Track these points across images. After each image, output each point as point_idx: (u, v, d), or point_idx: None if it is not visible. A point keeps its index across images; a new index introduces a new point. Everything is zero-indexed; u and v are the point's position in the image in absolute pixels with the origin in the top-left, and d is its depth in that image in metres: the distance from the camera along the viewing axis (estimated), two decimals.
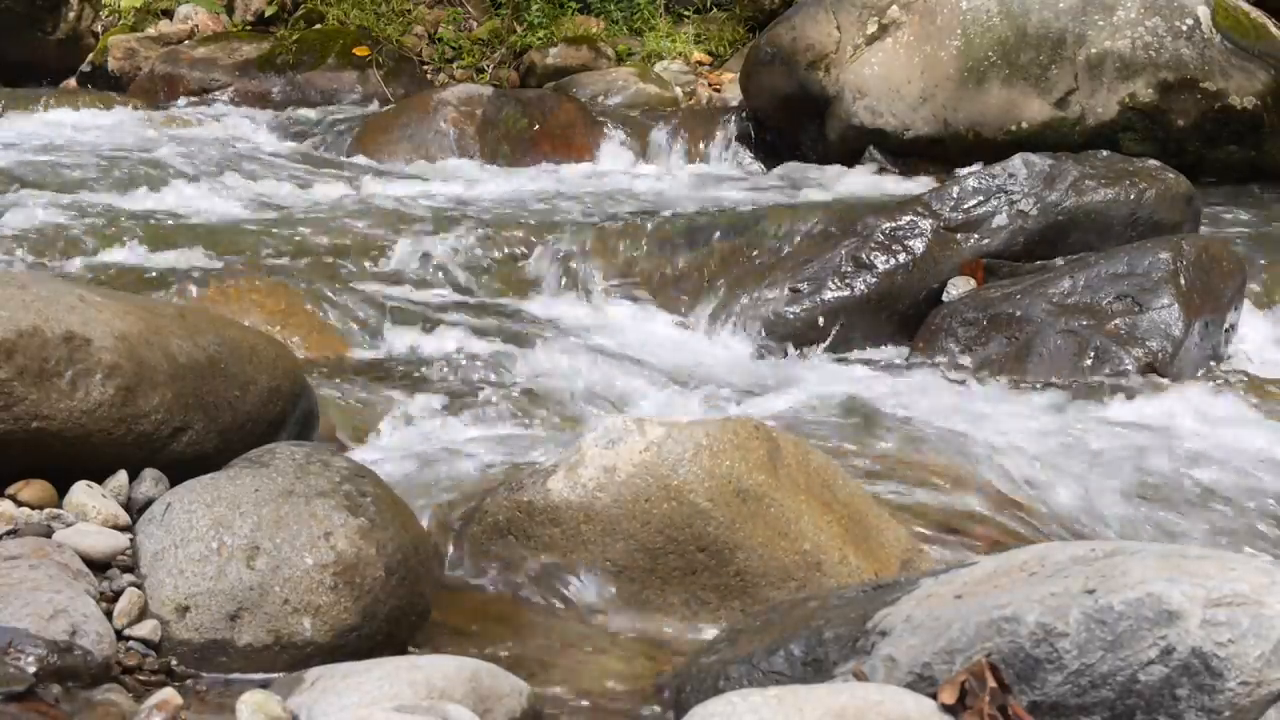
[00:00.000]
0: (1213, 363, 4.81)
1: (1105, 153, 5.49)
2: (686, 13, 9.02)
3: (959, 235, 5.15)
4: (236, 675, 2.58)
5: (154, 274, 5.03)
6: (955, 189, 5.23)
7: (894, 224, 5.16)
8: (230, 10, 9.37)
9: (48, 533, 2.66)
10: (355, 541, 2.67)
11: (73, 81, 9.23)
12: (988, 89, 6.85)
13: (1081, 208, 5.18)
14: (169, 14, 9.44)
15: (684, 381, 4.56)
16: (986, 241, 5.15)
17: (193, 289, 4.77)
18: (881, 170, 6.95)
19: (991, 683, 2.00)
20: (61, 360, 2.72)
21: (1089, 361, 4.71)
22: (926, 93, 6.90)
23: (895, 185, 6.64)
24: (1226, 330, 4.90)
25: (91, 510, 2.71)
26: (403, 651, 2.65)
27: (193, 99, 8.39)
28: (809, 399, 4.46)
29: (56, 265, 5.13)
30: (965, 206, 5.19)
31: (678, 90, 8.33)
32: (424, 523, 3.06)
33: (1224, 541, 3.63)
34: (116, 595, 2.60)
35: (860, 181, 6.81)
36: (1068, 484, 3.79)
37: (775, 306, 5.03)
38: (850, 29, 7.03)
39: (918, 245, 5.12)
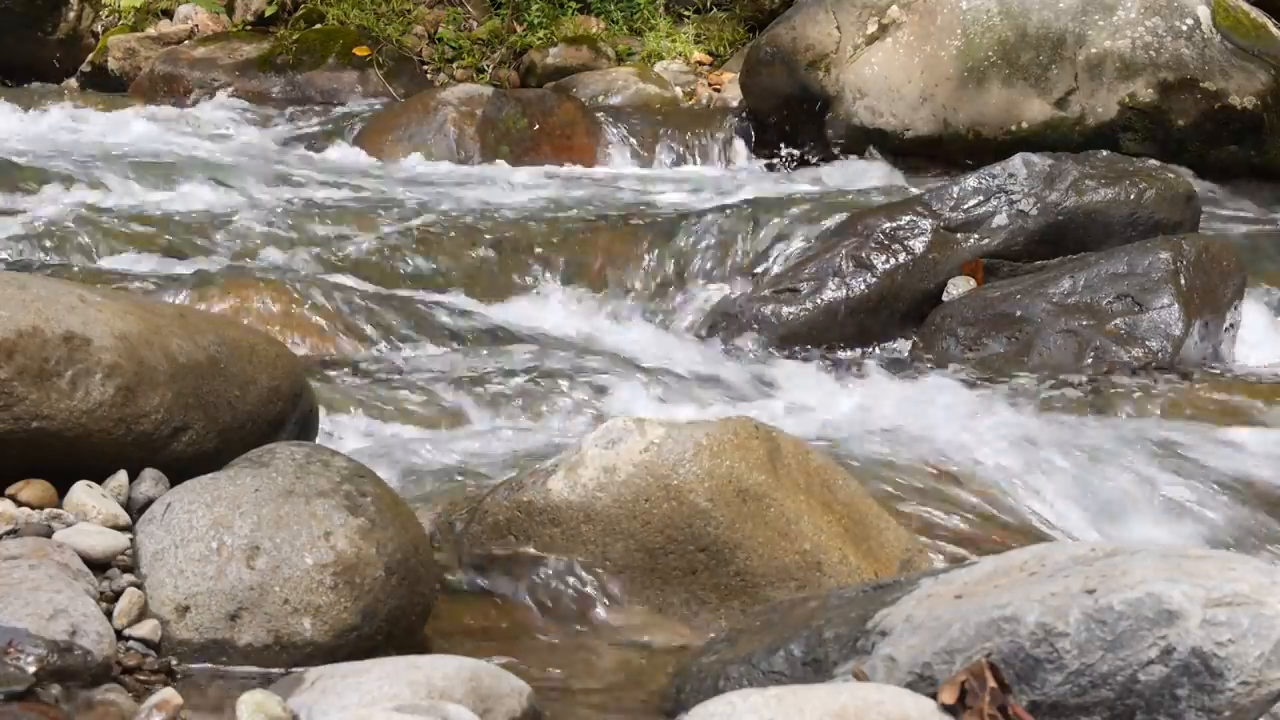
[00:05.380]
0: (1213, 362, 4.81)
1: (1105, 153, 5.49)
2: (686, 13, 9.01)
3: (959, 235, 5.15)
4: (237, 675, 2.58)
5: (153, 274, 5.03)
6: (955, 189, 5.23)
7: (894, 224, 5.16)
8: (230, 10, 9.37)
9: (48, 533, 2.66)
10: (355, 541, 2.67)
11: (73, 81, 9.22)
12: (988, 89, 6.85)
13: (1081, 208, 5.18)
14: (169, 14, 9.44)
15: (682, 382, 4.56)
16: (986, 241, 5.15)
17: (192, 288, 4.77)
18: (880, 168, 6.95)
19: (991, 683, 2.00)
20: (61, 360, 2.72)
21: (1089, 361, 4.71)
22: (926, 93, 6.90)
23: (895, 185, 6.64)
24: (1227, 330, 4.90)
25: (91, 510, 2.71)
26: (403, 651, 2.65)
27: (193, 99, 8.39)
28: (808, 399, 4.46)
29: (56, 265, 5.13)
30: (965, 206, 5.19)
31: (678, 90, 8.32)
32: (424, 523, 3.06)
33: (1221, 541, 3.63)
34: (116, 595, 2.60)
35: (860, 181, 6.80)
36: (1068, 484, 3.80)
37: (774, 306, 5.03)
38: (850, 29, 7.03)
39: (918, 245, 5.12)
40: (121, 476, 2.79)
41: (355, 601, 2.64)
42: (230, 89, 8.51)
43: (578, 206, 6.05)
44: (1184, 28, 6.80)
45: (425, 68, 8.90)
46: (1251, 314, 5.06)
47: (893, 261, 5.09)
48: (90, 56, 9.30)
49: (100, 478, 2.78)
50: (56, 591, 2.49)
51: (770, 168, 7.29)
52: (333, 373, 4.42)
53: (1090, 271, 4.92)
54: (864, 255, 5.09)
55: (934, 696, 2.02)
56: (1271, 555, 3.58)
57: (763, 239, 5.34)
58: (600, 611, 2.94)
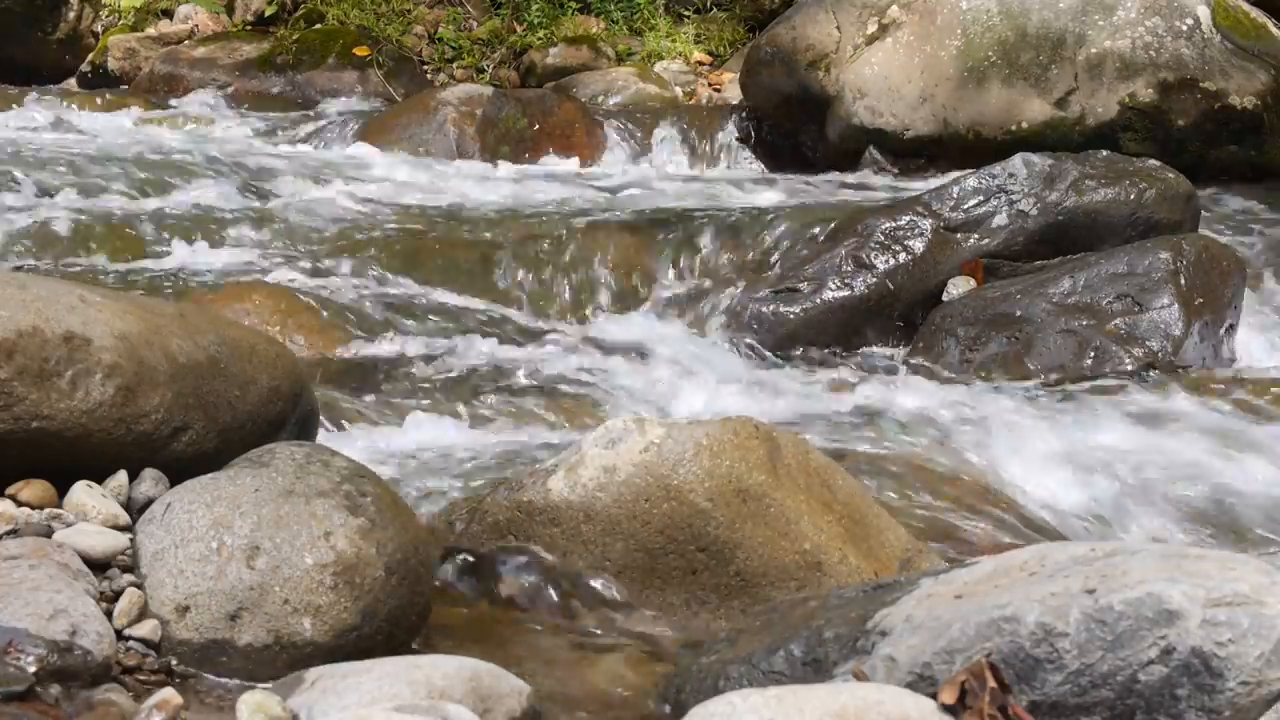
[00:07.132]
0: (1212, 362, 4.81)
1: (1105, 153, 5.49)
2: (686, 13, 9.02)
3: (959, 235, 5.15)
4: (236, 675, 2.58)
5: (154, 274, 5.03)
6: (955, 189, 5.24)
7: (894, 224, 5.16)
8: (230, 10, 9.37)
9: (48, 533, 2.66)
10: (355, 541, 2.67)
11: (73, 81, 9.23)
12: (988, 89, 6.85)
13: (1081, 208, 5.18)
14: (169, 14, 9.45)
15: (682, 382, 4.56)
16: (986, 241, 5.15)
17: (192, 288, 4.77)
18: (881, 170, 6.96)
19: (991, 683, 2.00)
20: (61, 360, 2.72)
21: (1089, 361, 4.71)
22: (926, 93, 6.90)
23: (894, 185, 6.64)
24: (1226, 330, 4.90)
25: (91, 510, 2.71)
26: (403, 651, 2.65)
27: (193, 99, 8.39)
28: (809, 399, 4.46)
29: (57, 265, 5.13)
30: (965, 206, 5.19)
31: (678, 90, 8.33)
32: (424, 523, 3.06)
33: (1220, 542, 3.64)
34: (116, 595, 2.60)
35: (859, 181, 6.80)
36: (1067, 484, 3.80)
37: (775, 306, 5.03)
38: (850, 29, 7.03)
39: (918, 245, 5.12)
40: (121, 476, 2.79)
41: (355, 601, 2.64)
42: (230, 89, 8.51)
43: (577, 206, 6.05)
44: (1184, 28, 6.80)
45: (425, 68, 8.90)
46: (1251, 313, 5.06)
47: (893, 261, 5.09)
48: (90, 56, 9.30)
49: (100, 478, 2.78)
50: (56, 591, 2.49)
51: (770, 167, 7.30)
52: (333, 373, 4.42)
53: (1090, 271, 4.92)
54: (864, 255, 5.10)
55: (934, 696, 2.02)
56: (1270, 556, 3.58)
57: (762, 238, 5.35)
58: (600, 611, 2.94)
